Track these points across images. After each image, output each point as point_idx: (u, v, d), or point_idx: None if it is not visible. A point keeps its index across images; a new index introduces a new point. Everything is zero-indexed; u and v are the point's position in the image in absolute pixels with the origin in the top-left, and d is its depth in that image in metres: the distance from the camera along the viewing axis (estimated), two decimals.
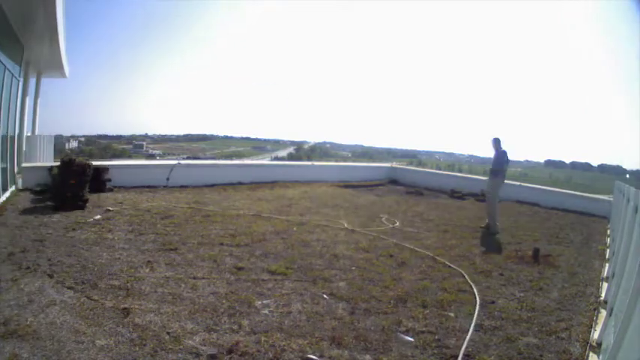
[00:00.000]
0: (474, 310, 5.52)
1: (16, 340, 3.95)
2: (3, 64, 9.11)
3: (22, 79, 12.00)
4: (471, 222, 11.78)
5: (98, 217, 9.10)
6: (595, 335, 4.93)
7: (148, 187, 13.64)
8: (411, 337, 4.68)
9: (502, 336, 4.87)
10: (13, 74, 10.50)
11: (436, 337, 4.70)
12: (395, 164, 25.40)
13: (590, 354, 4.54)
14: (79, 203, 9.88)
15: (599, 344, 4.62)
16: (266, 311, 5.08)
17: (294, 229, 9.33)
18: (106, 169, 12.41)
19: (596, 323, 5.32)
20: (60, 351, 3.86)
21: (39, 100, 16.16)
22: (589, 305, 6.07)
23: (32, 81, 15.26)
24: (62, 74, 16.62)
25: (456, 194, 17.54)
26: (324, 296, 5.66)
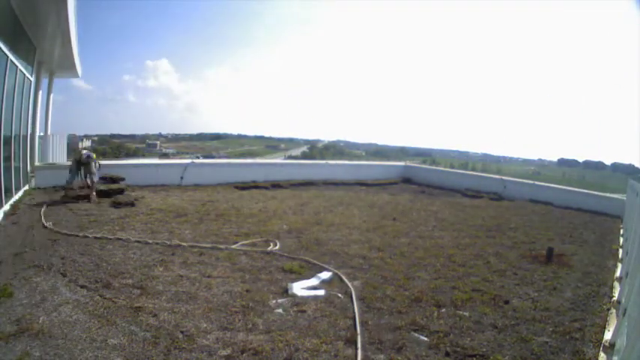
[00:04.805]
0: None
1: (28, 339, 3.92)
2: (15, 64, 9.15)
3: (34, 79, 12.06)
4: (485, 221, 11.63)
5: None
6: (608, 336, 4.84)
7: (162, 185, 13.68)
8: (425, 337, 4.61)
9: (516, 336, 4.79)
10: (25, 74, 10.55)
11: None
12: (409, 163, 25.20)
13: (604, 355, 4.45)
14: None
15: (612, 345, 4.51)
16: (280, 310, 5.02)
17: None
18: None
19: (610, 324, 5.23)
20: (72, 350, 3.82)
21: (52, 100, 16.25)
22: (602, 306, 5.97)
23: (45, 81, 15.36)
24: (75, 74, 16.69)
25: (469, 193, 17.35)
26: (339, 295, 5.59)
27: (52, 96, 16.15)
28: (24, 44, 10.24)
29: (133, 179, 13.06)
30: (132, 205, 10.38)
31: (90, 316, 4.53)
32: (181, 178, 14.48)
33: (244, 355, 3.97)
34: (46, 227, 7.89)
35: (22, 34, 9.70)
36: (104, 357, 3.77)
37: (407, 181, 20.64)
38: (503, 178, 18.73)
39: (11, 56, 8.64)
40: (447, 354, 4.28)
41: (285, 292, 5.57)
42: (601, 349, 4.58)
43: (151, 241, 7.42)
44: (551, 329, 5.03)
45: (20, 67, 9.72)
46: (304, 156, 74.48)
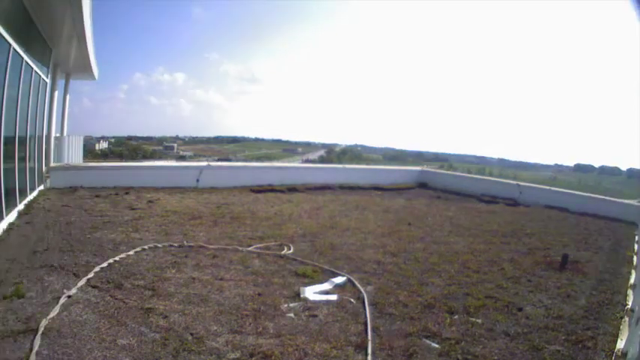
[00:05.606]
0: None
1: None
2: (30, 65, 9.23)
3: (50, 81, 12.18)
4: (500, 227, 11.44)
5: None
6: (621, 345, 4.69)
7: (178, 188, 13.73)
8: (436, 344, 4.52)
9: (528, 344, 4.67)
10: (40, 75, 10.65)
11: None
12: (425, 168, 24.91)
13: None
14: None
15: (625, 354, 4.37)
16: (291, 314, 4.96)
17: None
18: None
19: (622, 332, 5.07)
20: (81, 349, 3.81)
21: (67, 101, 16.42)
22: (616, 314, 5.79)
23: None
24: (91, 76, 16.87)
25: (485, 198, 17.10)
26: (351, 300, 5.51)
27: (68, 97, 16.34)
28: (39, 46, 10.35)
29: (150, 181, 13.17)
30: None
31: (100, 316, 4.52)
32: (197, 180, 14.54)
33: (253, 358, 3.92)
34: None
35: (36, 35, 9.80)
36: (112, 357, 3.75)
37: (423, 185, 20.41)
38: (519, 183, 18.44)
39: (26, 57, 8.72)
40: None
41: (297, 296, 5.51)
42: (613, 358, 4.46)
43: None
44: (563, 337, 4.90)
45: (35, 68, 9.82)
46: (322, 160, 73.87)
